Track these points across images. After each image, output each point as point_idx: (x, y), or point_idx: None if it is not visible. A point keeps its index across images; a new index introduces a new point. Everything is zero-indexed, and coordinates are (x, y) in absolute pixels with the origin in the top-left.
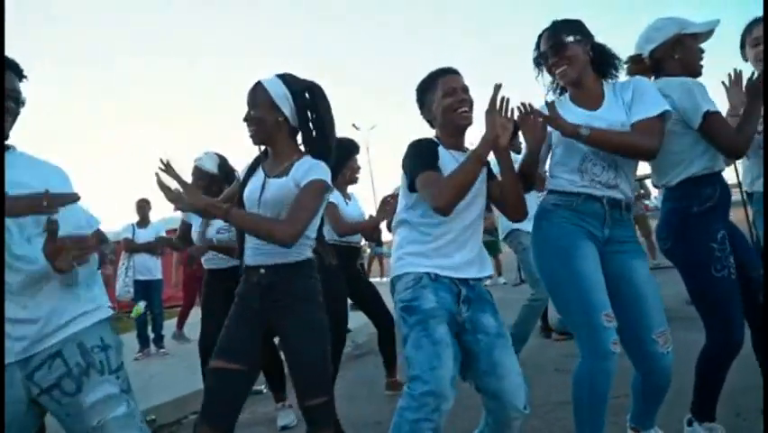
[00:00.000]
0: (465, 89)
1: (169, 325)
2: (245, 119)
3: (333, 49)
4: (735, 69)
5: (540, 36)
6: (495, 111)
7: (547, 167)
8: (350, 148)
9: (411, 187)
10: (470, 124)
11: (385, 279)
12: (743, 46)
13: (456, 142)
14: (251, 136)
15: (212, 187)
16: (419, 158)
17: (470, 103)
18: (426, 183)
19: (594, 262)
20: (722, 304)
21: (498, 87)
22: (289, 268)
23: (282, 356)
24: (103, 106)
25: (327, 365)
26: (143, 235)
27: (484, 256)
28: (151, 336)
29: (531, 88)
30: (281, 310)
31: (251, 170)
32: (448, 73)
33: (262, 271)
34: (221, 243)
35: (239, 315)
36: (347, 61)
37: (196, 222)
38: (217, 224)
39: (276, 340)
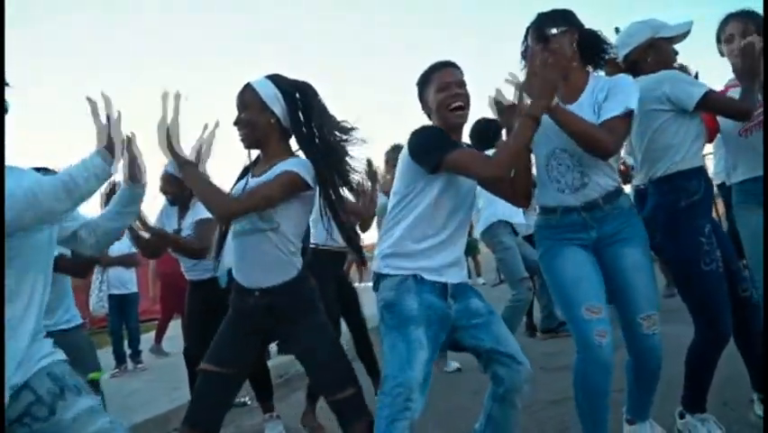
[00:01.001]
0: (460, 84)
1: (146, 339)
2: (235, 123)
3: (296, 53)
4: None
5: (527, 29)
6: (546, 68)
7: None
8: None
9: (436, 168)
10: (463, 122)
11: (362, 284)
12: (719, 41)
13: (453, 138)
14: (242, 140)
15: (183, 191)
16: (440, 140)
17: (465, 97)
18: (468, 158)
19: (573, 261)
20: (711, 298)
21: (546, 48)
22: (283, 287)
23: (269, 364)
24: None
25: (346, 358)
26: (117, 248)
27: (463, 258)
28: (128, 351)
29: None
30: (286, 323)
31: (240, 178)
32: (444, 67)
33: (257, 293)
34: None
35: (235, 323)
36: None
37: (169, 222)
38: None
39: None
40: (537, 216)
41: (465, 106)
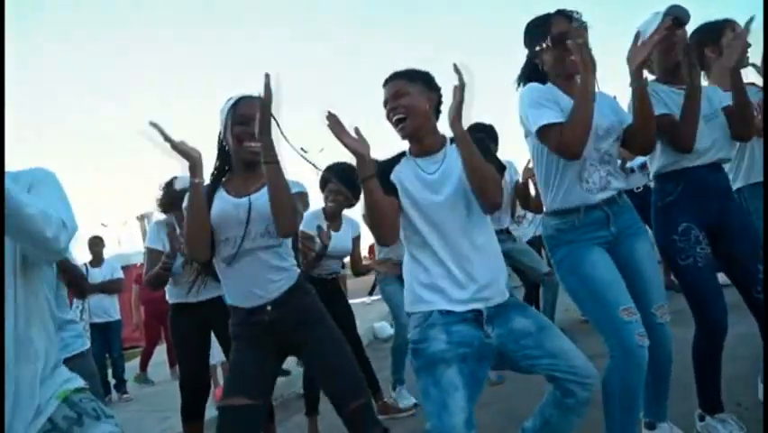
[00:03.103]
0: (395, 95)
1: (130, 367)
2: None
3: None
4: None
5: (543, 18)
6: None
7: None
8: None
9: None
10: (404, 134)
11: (369, 298)
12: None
13: (417, 149)
14: (256, 154)
15: None
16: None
17: (402, 108)
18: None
19: (604, 263)
20: (692, 291)
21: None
22: (289, 295)
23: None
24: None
25: (357, 368)
26: (98, 275)
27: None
28: (112, 381)
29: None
30: (298, 334)
31: (210, 193)
32: (386, 82)
33: (269, 308)
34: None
35: (251, 348)
36: (295, 80)
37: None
38: None
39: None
40: (550, 220)
41: (405, 118)
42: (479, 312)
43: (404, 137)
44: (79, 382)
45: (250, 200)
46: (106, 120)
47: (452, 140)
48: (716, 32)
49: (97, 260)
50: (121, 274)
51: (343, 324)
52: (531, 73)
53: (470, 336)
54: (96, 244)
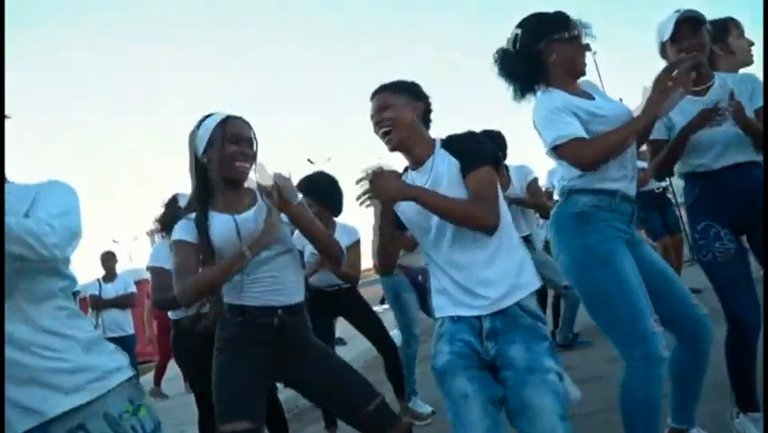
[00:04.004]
0: (380, 108)
1: (144, 382)
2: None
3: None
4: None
5: (561, 14)
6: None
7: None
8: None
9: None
10: (390, 146)
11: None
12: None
13: (411, 162)
14: (246, 171)
15: None
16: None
17: (386, 121)
18: (487, 182)
19: (634, 266)
20: (716, 287)
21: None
22: (299, 306)
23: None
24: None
25: (360, 374)
26: (111, 290)
27: (511, 271)
28: None
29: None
30: (298, 348)
31: (200, 215)
32: (372, 96)
33: (280, 311)
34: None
35: (243, 359)
36: (303, 92)
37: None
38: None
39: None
40: (582, 197)
41: (390, 131)
42: (480, 326)
43: (391, 149)
44: None
45: (251, 215)
46: (118, 141)
47: (442, 143)
48: (722, 29)
49: (110, 275)
50: (134, 289)
51: (367, 328)
52: (532, 68)
53: (471, 346)
54: (108, 259)
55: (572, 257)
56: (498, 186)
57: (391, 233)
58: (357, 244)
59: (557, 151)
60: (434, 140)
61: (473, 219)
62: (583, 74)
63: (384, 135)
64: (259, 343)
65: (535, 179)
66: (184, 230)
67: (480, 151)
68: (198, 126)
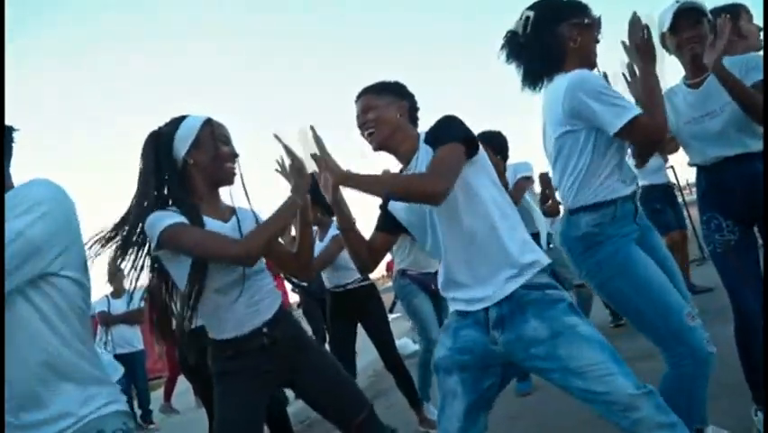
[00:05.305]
0: (364, 110)
1: (154, 398)
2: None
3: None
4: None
5: (575, 2)
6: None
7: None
8: None
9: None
10: (374, 146)
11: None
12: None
13: (400, 162)
14: (235, 174)
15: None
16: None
17: (371, 121)
18: (448, 158)
19: (652, 263)
20: (720, 277)
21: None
22: (279, 311)
23: (289, 411)
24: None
25: (355, 383)
26: (120, 306)
27: (509, 252)
28: (138, 412)
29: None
30: (295, 354)
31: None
32: (356, 99)
33: (265, 330)
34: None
35: (242, 391)
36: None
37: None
38: None
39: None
40: (584, 216)
41: (373, 132)
42: (483, 315)
43: (375, 149)
44: None
45: (237, 220)
46: (121, 150)
47: (425, 138)
48: (733, 14)
49: (119, 291)
50: (142, 304)
51: (377, 340)
52: (549, 53)
53: (473, 341)
54: (116, 275)
55: (591, 277)
56: (461, 161)
57: (346, 226)
58: (336, 238)
59: (631, 125)
60: (419, 135)
61: (414, 191)
62: (595, 65)
63: (369, 137)
64: (254, 369)
65: (524, 178)
66: (174, 216)
67: (445, 134)
68: (177, 126)
